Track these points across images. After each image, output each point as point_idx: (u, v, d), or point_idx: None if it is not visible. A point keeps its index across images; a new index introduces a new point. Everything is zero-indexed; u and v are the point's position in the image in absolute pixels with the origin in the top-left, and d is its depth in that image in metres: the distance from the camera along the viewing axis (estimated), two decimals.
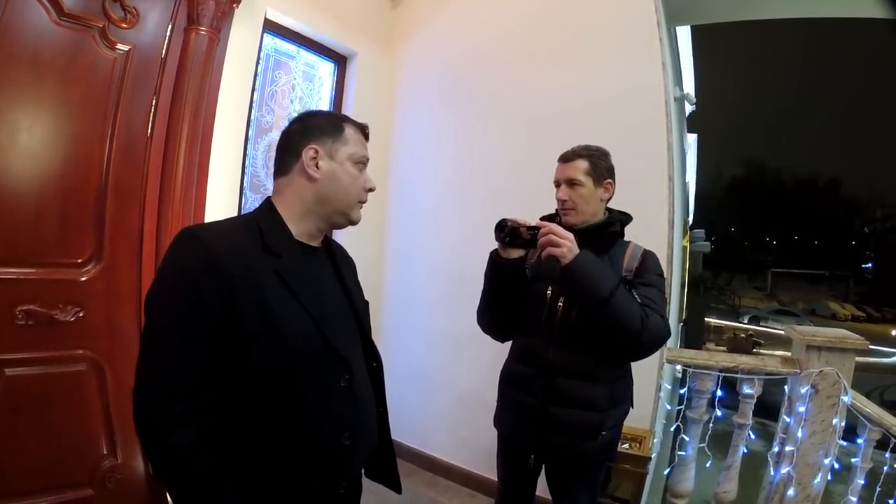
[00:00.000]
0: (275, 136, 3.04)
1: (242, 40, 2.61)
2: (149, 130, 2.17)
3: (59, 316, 1.97)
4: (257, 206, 1.15)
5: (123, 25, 2.06)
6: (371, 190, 1.19)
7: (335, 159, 1.12)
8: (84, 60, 1.98)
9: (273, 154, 3.12)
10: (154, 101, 2.18)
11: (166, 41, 2.20)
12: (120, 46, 2.07)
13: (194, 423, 0.95)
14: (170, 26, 2.20)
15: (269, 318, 0.99)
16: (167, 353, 0.95)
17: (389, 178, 3.62)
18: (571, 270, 1.48)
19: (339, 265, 1.25)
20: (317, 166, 1.10)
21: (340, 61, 3.41)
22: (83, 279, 2.04)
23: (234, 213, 2.71)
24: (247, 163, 2.82)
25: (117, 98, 2.08)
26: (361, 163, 1.16)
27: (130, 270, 2.16)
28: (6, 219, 1.84)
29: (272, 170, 1.18)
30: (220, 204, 2.58)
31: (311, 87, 3.31)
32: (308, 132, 1.12)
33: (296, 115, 1.23)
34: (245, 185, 2.83)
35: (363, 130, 1.19)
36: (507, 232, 1.52)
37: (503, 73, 3.14)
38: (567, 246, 1.47)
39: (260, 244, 1.04)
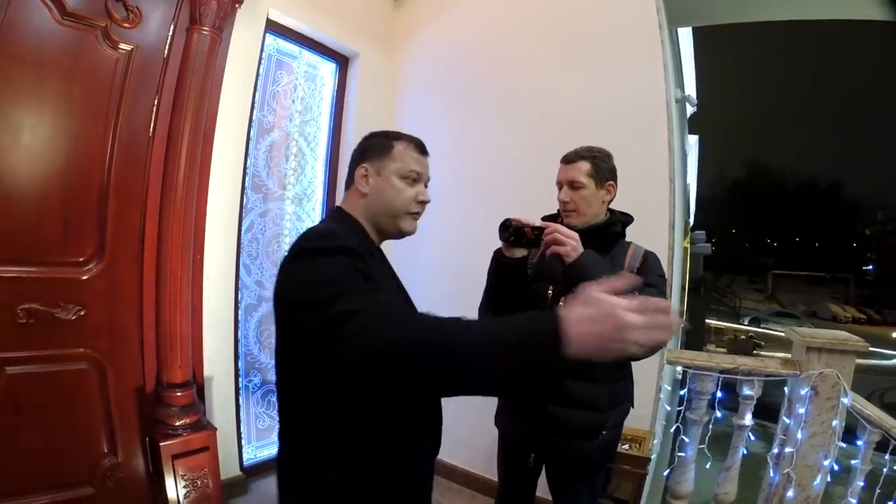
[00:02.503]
0: (276, 136, 3.06)
1: (244, 40, 2.62)
2: (151, 130, 2.18)
3: (60, 315, 1.97)
4: (329, 214, 1.21)
5: (126, 25, 2.07)
6: (424, 202, 1.24)
7: (382, 175, 1.20)
8: (86, 60, 1.99)
9: (275, 154, 3.16)
10: (156, 101, 2.19)
11: (168, 41, 2.21)
12: (122, 46, 2.08)
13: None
14: (172, 26, 2.21)
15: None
16: (344, 286, 0.92)
17: None
18: (575, 268, 1.48)
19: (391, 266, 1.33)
20: (366, 182, 1.20)
21: (342, 62, 3.41)
22: (84, 278, 2.05)
23: (236, 214, 2.72)
24: (248, 163, 2.83)
25: (119, 98, 2.09)
26: (409, 177, 1.21)
27: (132, 270, 2.17)
28: (8, 218, 1.84)
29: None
30: (221, 204, 2.59)
31: (313, 87, 3.31)
32: (362, 152, 1.23)
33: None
34: (247, 184, 2.84)
35: (417, 146, 1.24)
36: (512, 231, 1.53)
37: (505, 74, 3.15)
38: (571, 245, 1.48)
39: (358, 243, 1.09)
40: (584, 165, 1.67)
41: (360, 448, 1.04)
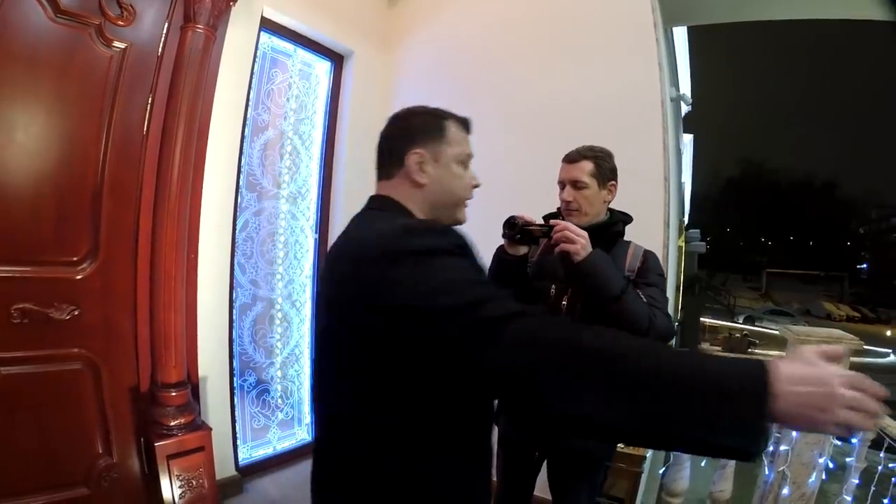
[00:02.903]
0: (271, 134, 3.05)
1: (239, 38, 2.61)
2: (145, 128, 2.17)
3: (54, 314, 1.96)
4: (377, 204, 1.07)
5: (120, 23, 2.05)
6: (476, 186, 1.14)
7: (440, 162, 1.06)
8: (80, 58, 1.98)
9: (270, 153, 3.13)
10: (150, 99, 2.18)
11: (163, 39, 2.19)
12: (116, 44, 2.06)
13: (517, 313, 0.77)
14: (166, 24, 2.19)
15: None
16: (484, 289, 0.81)
17: None
18: (585, 267, 1.49)
19: None
20: (422, 171, 1.04)
21: (337, 60, 3.40)
22: (79, 278, 2.03)
23: (230, 212, 2.71)
24: (243, 161, 2.81)
25: (113, 96, 2.07)
26: (465, 162, 1.11)
27: (126, 269, 2.16)
28: (1, 217, 1.83)
29: (376, 171, 1.12)
30: (215, 202, 2.58)
31: (308, 85, 3.30)
32: (409, 134, 1.07)
33: (393, 115, 1.14)
34: (241, 183, 2.83)
35: (465, 125, 1.13)
36: (518, 229, 1.54)
37: (499, 73, 3.14)
38: (581, 243, 1.48)
39: None
40: (587, 165, 1.67)
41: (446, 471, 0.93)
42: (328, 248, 1.08)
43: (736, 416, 0.63)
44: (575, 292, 1.64)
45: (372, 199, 1.09)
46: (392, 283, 0.81)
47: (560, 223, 1.52)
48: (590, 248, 1.50)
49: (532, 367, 0.70)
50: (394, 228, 0.91)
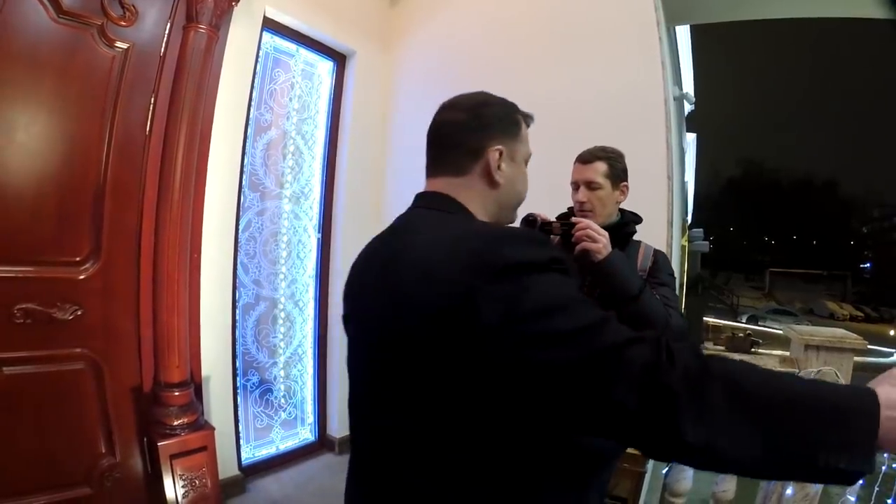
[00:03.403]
0: (274, 134, 3.04)
1: (241, 38, 2.61)
2: (147, 129, 2.17)
3: (57, 315, 1.96)
4: (443, 206, 0.92)
5: (122, 23, 2.06)
6: None
7: (515, 161, 0.96)
8: (82, 58, 1.98)
9: (272, 153, 3.12)
10: (152, 100, 2.18)
11: (165, 39, 2.20)
12: (118, 44, 2.07)
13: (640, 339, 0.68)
14: (168, 24, 2.19)
15: None
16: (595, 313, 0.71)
17: (389, 176, 3.61)
18: (605, 267, 1.49)
19: None
20: (501, 168, 0.93)
21: (339, 59, 3.40)
22: (81, 278, 2.04)
23: (233, 212, 2.71)
24: (245, 161, 2.82)
25: (115, 96, 2.08)
26: (527, 162, 1.02)
27: (128, 269, 2.16)
28: (4, 217, 1.84)
29: (429, 164, 0.99)
30: (218, 202, 2.58)
31: (311, 85, 3.30)
32: (489, 126, 0.94)
33: (455, 100, 1.00)
34: (244, 183, 2.83)
35: (529, 121, 1.04)
36: (539, 226, 1.53)
37: (501, 72, 3.14)
38: (603, 242, 1.49)
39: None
40: (601, 166, 1.67)
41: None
42: (363, 253, 0.95)
43: (849, 437, 0.59)
44: (590, 292, 1.64)
45: (425, 196, 0.96)
46: (490, 300, 0.68)
47: (582, 221, 1.52)
48: (610, 248, 1.50)
49: (666, 396, 0.62)
50: (480, 234, 0.78)
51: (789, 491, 2.10)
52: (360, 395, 0.91)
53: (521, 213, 1.63)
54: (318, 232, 3.34)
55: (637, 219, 1.78)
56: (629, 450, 2.34)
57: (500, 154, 0.92)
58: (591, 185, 1.67)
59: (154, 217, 2.19)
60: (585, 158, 1.70)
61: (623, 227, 1.72)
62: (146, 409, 2.21)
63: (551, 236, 1.55)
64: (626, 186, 1.72)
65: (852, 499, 2.21)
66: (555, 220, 1.58)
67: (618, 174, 1.68)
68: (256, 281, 3.04)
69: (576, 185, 1.72)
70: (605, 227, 1.65)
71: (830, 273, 42.75)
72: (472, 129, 0.94)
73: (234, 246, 2.76)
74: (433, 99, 1.09)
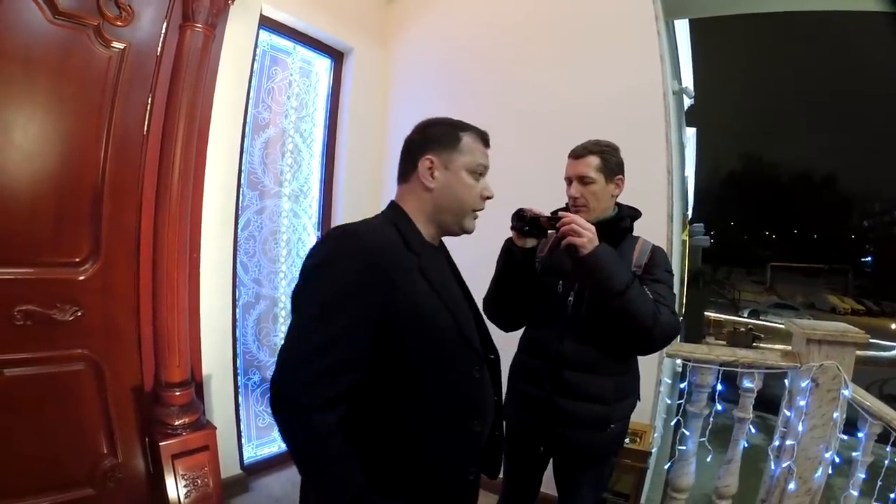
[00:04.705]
0: (272, 132, 3.04)
1: (238, 37, 2.60)
2: (145, 128, 2.16)
3: (57, 316, 1.96)
4: (385, 209, 1.21)
5: (118, 23, 2.05)
6: (488, 198, 1.21)
7: (450, 169, 1.15)
8: (79, 59, 1.97)
9: (271, 151, 3.13)
10: (150, 99, 2.17)
11: (161, 38, 2.18)
12: (115, 44, 2.06)
13: (337, 407, 0.99)
14: (165, 23, 2.18)
15: (418, 311, 1.07)
16: (321, 338, 0.98)
17: (386, 174, 3.60)
18: (589, 261, 1.48)
19: (451, 261, 1.32)
20: (432, 176, 1.14)
21: (337, 57, 3.39)
22: (81, 278, 2.03)
23: (232, 211, 2.70)
24: (244, 160, 2.81)
25: (113, 96, 2.07)
26: (477, 172, 1.18)
27: (128, 269, 2.16)
28: (2, 219, 1.83)
29: (397, 175, 1.23)
30: (217, 201, 2.57)
31: (308, 83, 3.29)
32: (425, 142, 1.16)
33: (418, 123, 1.23)
34: (242, 181, 2.82)
35: (483, 138, 1.21)
36: (528, 221, 1.53)
37: (499, 68, 3.13)
38: (588, 237, 1.47)
39: (402, 243, 1.11)
40: (594, 160, 1.65)
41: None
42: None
43: None
44: (582, 288, 1.63)
45: (389, 204, 1.22)
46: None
47: (568, 216, 1.51)
48: (596, 242, 1.49)
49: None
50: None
51: (792, 486, 2.10)
52: None
53: (520, 211, 1.64)
54: (318, 230, 3.34)
55: (636, 213, 1.76)
56: (631, 445, 2.35)
57: (431, 163, 1.14)
58: (583, 180, 1.66)
59: (153, 216, 2.18)
60: (577, 153, 1.69)
61: (618, 222, 1.71)
62: (147, 409, 2.21)
63: (548, 231, 1.55)
64: (622, 180, 1.70)
65: (855, 493, 2.21)
66: (543, 214, 1.57)
67: (612, 168, 1.67)
68: (256, 280, 3.04)
69: (569, 181, 1.71)
70: (601, 222, 1.65)
71: (832, 267, 42.64)
72: (415, 144, 1.18)
73: (233, 245, 2.75)
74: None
